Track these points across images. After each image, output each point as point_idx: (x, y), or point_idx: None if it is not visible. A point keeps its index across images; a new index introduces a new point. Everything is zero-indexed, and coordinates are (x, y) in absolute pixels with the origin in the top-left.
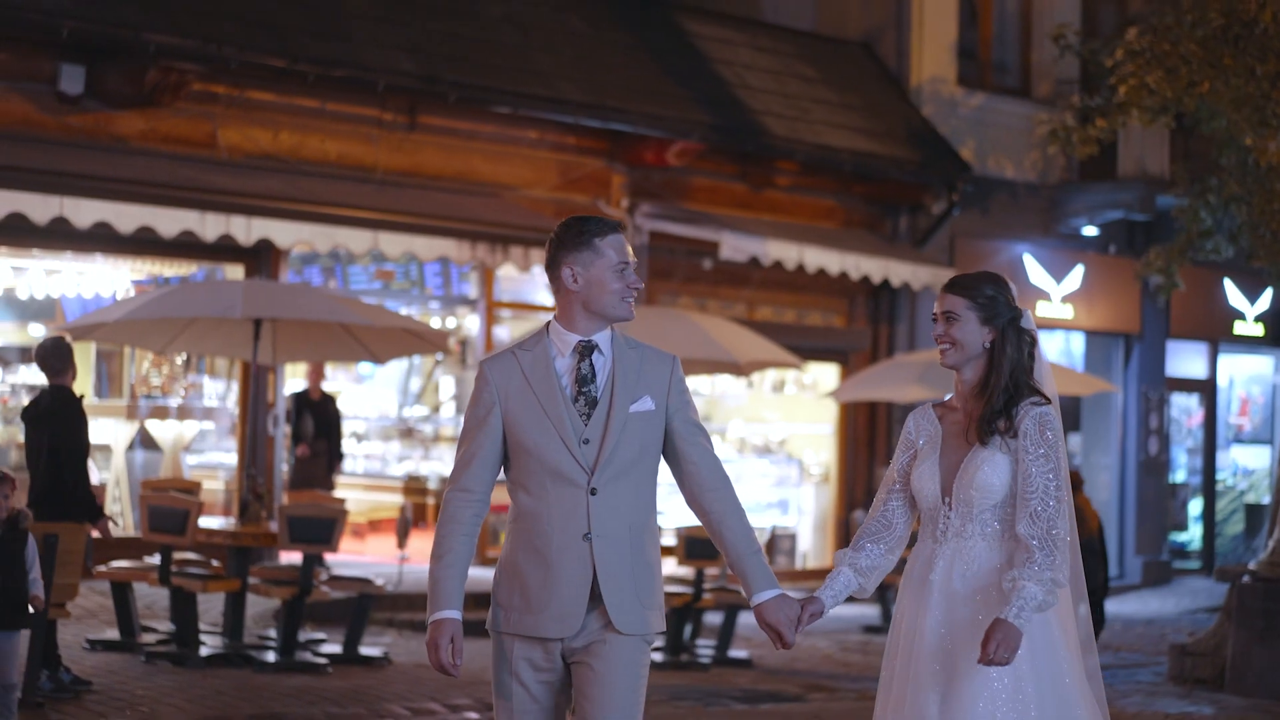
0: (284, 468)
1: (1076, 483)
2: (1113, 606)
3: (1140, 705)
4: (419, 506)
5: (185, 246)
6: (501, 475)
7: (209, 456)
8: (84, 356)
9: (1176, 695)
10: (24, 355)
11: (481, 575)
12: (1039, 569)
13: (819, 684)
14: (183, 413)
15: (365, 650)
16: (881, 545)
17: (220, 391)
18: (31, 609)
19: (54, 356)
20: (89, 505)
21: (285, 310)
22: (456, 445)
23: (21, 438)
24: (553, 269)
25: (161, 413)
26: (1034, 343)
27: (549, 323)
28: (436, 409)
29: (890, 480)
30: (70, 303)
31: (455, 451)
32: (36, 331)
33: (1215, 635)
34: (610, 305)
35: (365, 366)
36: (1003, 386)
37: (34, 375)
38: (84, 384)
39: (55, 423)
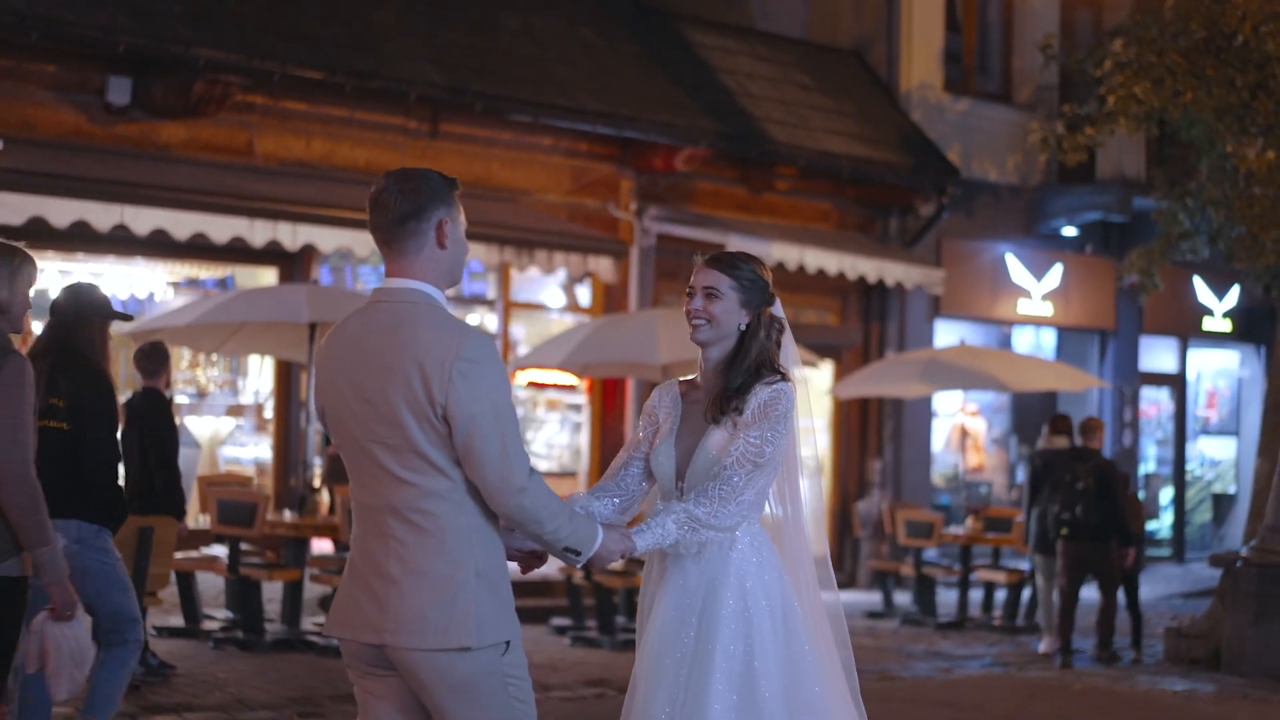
0: (315, 462)
1: (1125, 483)
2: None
3: (1148, 683)
4: None
5: (228, 250)
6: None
7: (237, 451)
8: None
9: (1178, 674)
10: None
11: None
12: (686, 505)
13: None
14: (218, 409)
15: None
16: (618, 501)
17: (242, 386)
18: None
19: (150, 359)
20: (178, 504)
21: (345, 314)
22: (514, 436)
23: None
24: (417, 221)
25: (197, 409)
26: (782, 330)
27: (417, 289)
28: None
29: (633, 444)
30: None
31: (511, 443)
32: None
33: (1209, 618)
34: (459, 276)
35: None
36: (745, 368)
37: None
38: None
39: (146, 423)
